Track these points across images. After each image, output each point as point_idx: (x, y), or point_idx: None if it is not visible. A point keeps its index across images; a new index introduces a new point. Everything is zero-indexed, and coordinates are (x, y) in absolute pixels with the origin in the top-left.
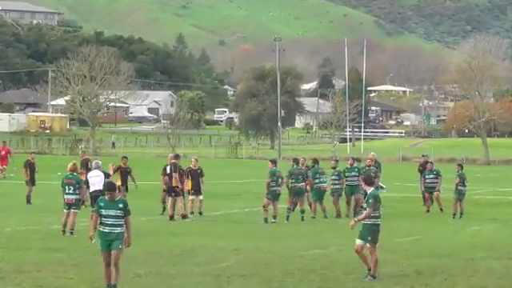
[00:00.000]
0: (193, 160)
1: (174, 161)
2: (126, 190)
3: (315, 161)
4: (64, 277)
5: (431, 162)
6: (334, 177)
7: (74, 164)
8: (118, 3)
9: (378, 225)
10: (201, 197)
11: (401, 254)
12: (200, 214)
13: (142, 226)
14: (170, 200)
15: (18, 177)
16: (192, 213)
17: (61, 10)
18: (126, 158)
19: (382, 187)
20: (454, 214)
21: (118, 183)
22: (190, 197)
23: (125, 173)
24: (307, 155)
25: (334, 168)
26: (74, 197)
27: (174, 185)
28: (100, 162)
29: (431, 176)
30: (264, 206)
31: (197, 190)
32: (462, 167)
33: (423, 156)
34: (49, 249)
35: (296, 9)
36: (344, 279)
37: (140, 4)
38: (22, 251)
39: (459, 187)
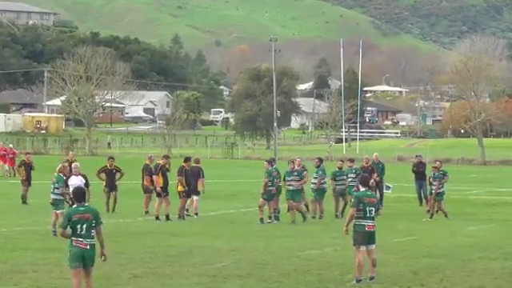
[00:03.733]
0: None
1: (159, 161)
2: (112, 190)
3: (321, 160)
4: (60, 277)
5: (440, 162)
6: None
7: (62, 167)
8: (114, 4)
9: (360, 226)
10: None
11: (397, 255)
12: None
13: (138, 226)
14: (180, 201)
15: (14, 177)
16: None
17: (57, 11)
18: (112, 158)
19: (388, 187)
20: (432, 214)
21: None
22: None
23: (110, 174)
24: (303, 156)
25: (317, 167)
26: (52, 196)
27: (156, 185)
28: (79, 165)
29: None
30: (260, 207)
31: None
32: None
33: (417, 156)
34: (45, 249)
35: (292, 9)
36: (341, 280)
37: (136, 5)
38: (19, 251)
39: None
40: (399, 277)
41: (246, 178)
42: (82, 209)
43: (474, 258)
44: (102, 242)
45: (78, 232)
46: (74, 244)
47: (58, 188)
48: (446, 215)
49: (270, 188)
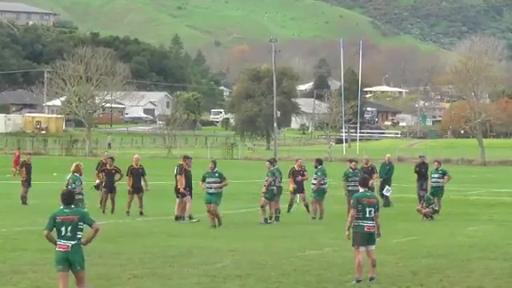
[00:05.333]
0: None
1: (180, 162)
2: (111, 191)
3: (320, 161)
4: None
5: (439, 162)
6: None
7: (77, 165)
8: (114, 4)
9: (360, 226)
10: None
11: (397, 255)
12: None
13: (137, 226)
14: (177, 201)
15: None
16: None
17: (56, 11)
18: (111, 158)
19: (387, 189)
20: (425, 215)
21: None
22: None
23: (109, 174)
24: (304, 156)
25: (316, 167)
26: None
27: (177, 186)
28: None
29: (436, 175)
30: (262, 207)
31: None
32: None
33: (420, 157)
34: (44, 249)
35: (292, 9)
36: (340, 280)
37: (136, 5)
38: (18, 252)
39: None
40: (399, 277)
41: (245, 178)
42: (66, 211)
43: (474, 259)
44: (91, 236)
45: (63, 234)
46: (57, 248)
47: (75, 188)
48: (424, 216)
49: (272, 188)
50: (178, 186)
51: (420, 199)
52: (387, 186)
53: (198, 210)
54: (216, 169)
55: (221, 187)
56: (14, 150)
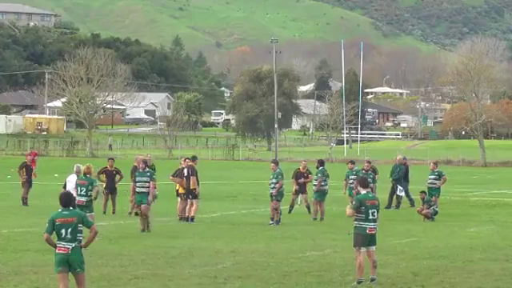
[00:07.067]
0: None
1: (191, 163)
2: (112, 192)
3: (321, 162)
4: None
5: (435, 163)
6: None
7: (88, 167)
8: (115, 5)
9: (362, 228)
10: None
11: (398, 256)
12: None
13: (138, 227)
14: (180, 202)
15: (15, 178)
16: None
17: (57, 12)
18: (112, 159)
19: (401, 189)
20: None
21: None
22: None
23: (110, 175)
24: (304, 157)
25: (317, 168)
26: (84, 199)
27: (191, 187)
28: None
29: (432, 177)
30: (276, 209)
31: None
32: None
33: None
34: (45, 250)
35: (293, 10)
36: (341, 281)
37: (137, 6)
38: (19, 253)
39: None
40: (399, 278)
41: (246, 179)
42: (65, 213)
43: (475, 260)
44: (90, 239)
45: (63, 236)
46: (57, 250)
47: (92, 190)
48: (425, 217)
49: (281, 189)
50: (192, 187)
51: (411, 200)
52: (399, 187)
53: (203, 211)
54: (147, 169)
55: (153, 188)
56: (27, 151)
